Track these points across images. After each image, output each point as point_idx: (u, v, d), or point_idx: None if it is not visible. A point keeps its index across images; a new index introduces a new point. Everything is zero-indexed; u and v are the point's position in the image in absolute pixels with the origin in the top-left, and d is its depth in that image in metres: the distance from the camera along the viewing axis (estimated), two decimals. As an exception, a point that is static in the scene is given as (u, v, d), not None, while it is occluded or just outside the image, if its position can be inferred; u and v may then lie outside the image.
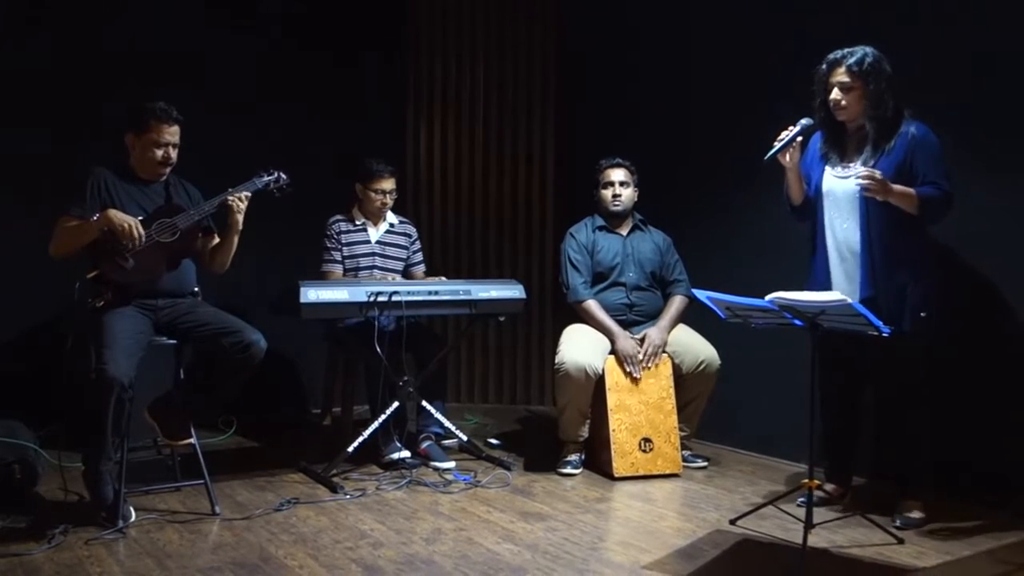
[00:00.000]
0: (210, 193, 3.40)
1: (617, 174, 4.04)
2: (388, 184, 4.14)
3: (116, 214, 3.12)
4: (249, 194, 3.36)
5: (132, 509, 3.11)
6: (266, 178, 3.46)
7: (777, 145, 3.14)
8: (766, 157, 3.16)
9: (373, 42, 5.25)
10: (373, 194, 4.11)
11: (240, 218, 3.33)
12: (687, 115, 4.50)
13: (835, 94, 3.09)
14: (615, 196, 4.02)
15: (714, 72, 4.34)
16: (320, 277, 4.05)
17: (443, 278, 4.19)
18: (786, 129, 3.16)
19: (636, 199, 4.09)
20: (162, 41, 4.47)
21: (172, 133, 3.31)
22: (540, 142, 5.36)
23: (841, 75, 3.07)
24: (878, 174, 2.92)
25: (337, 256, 4.11)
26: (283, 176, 3.50)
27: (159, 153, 3.30)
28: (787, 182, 3.27)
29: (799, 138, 3.16)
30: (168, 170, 3.38)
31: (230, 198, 3.31)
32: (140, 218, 3.18)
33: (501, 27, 5.32)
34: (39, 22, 4.24)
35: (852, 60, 3.05)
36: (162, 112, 3.28)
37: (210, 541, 2.96)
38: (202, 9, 4.63)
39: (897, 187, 2.94)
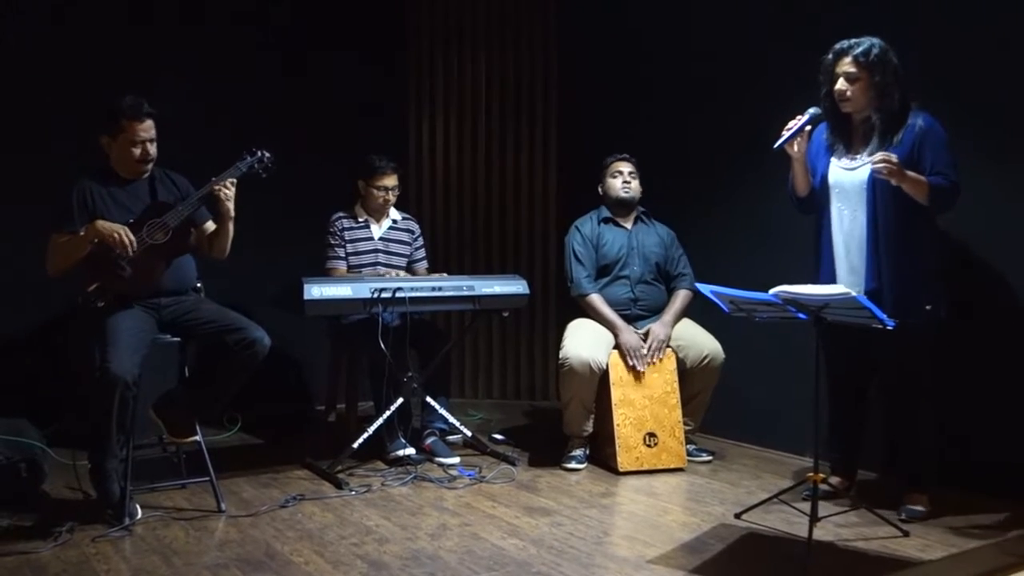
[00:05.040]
0: (201, 185, 3.36)
1: (626, 166, 4.07)
2: (391, 181, 4.14)
3: (104, 224, 3.09)
4: (235, 180, 3.29)
5: (138, 507, 3.12)
6: (248, 159, 3.35)
7: (786, 134, 3.13)
8: (775, 146, 3.14)
9: (374, 39, 5.24)
10: (375, 191, 4.11)
11: (230, 205, 3.27)
12: (689, 110, 4.49)
13: (840, 84, 3.07)
14: (625, 183, 4.03)
15: (715, 66, 4.33)
16: (324, 274, 4.05)
17: (444, 275, 4.19)
18: (793, 119, 3.15)
19: (640, 194, 4.10)
20: (160, 41, 4.47)
21: (147, 129, 3.23)
22: (542, 137, 5.35)
23: (847, 65, 3.04)
24: (894, 158, 2.90)
25: (341, 253, 4.11)
26: (266, 154, 3.38)
27: (136, 152, 3.24)
28: (793, 173, 3.26)
29: (807, 127, 3.14)
30: (150, 166, 3.32)
31: (215, 187, 3.24)
32: (129, 221, 3.15)
33: (502, 22, 5.31)
34: (27, 22, 4.22)
35: (859, 51, 3.02)
36: (132, 109, 3.20)
37: (216, 538, 2.96)
38: (201, 7, 4.64)
39: (910, 173, 2.93)
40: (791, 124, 3.14)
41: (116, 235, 3.07)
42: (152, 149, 3.28)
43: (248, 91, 4.72)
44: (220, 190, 3.25)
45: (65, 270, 3.17)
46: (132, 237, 3.09)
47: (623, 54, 4.88)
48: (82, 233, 3.10)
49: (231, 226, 3.34)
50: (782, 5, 3.98)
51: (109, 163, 3.30)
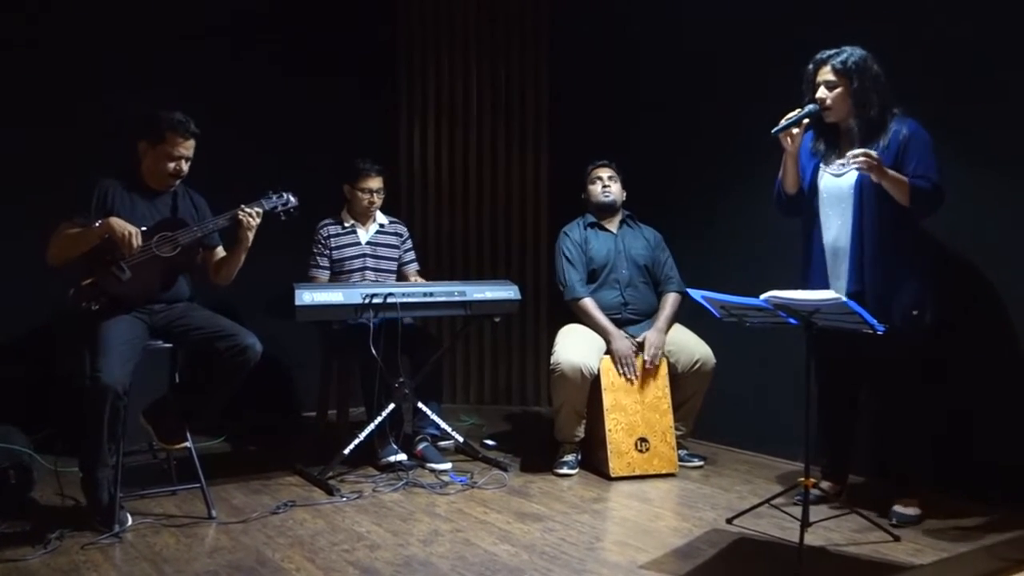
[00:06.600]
0: (210, 203, 3.38)
1: (605, 171, 4.11)
2: (375, 183, 4.13)
3: (118, 222, 3.09)
4: (261, 211, 3.33)
5: (128, 514, 3.11)
6: (274, 200, 3.41)
7: (784, 122, 3.15)
8: (774, 131, 3.17)
9: (364, 43, 5.24)
10: (360, 193, 4.11)
11: (250, 235, 3.30)
12: (680, 116, 4.50)
13: (821, 93, 3.12)
14: (604, 187, 4.08)
15: (707, 73, 4.34)
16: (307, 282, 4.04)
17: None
18: (792, 111, 3.17)
19: (624, 198, 4.13)
20: (155, 47, 4.46)
21: (187, 147, 3.26)
22: (533, 142, 5.36)
23: (826, 73, 3.10)
24: (874, 153, 2.93)
25: (323, 262, 4.11)
26: (292, 199, 3.45)
27: (171, 166, 3.26)
28: (784, 169, 3.27)
29: (805, 120, 3.16)
30: (178, 182, 3.34)
31: (241, 213, 3.27)
32: (143, 229, 3.14)
33: (492, 26, 5.32)
34: (37, 23, 4.23)
35: (837, 59, 3.08)
36: (179, 124, 3.23)
37: (206, 545, 2.95)
38: (201, 15, 4.64)
39: (891, 172, 2.96)
40: (790, 114, 3.16)
41: (126, 233, 3.06)
42: (185, 167, 3.30)
43: (240, 98, 4.70)
44: (245, 217, 3.27)
45: (66, 261, 3.15)
46: (140, 241, 3.10)
47: (614, 59, 4.89)
48: (96, 226, 3.09)
49: (242, 256, 3.36)
50: (774, 10, 4.00)
51: (139, 169, 3.30)
